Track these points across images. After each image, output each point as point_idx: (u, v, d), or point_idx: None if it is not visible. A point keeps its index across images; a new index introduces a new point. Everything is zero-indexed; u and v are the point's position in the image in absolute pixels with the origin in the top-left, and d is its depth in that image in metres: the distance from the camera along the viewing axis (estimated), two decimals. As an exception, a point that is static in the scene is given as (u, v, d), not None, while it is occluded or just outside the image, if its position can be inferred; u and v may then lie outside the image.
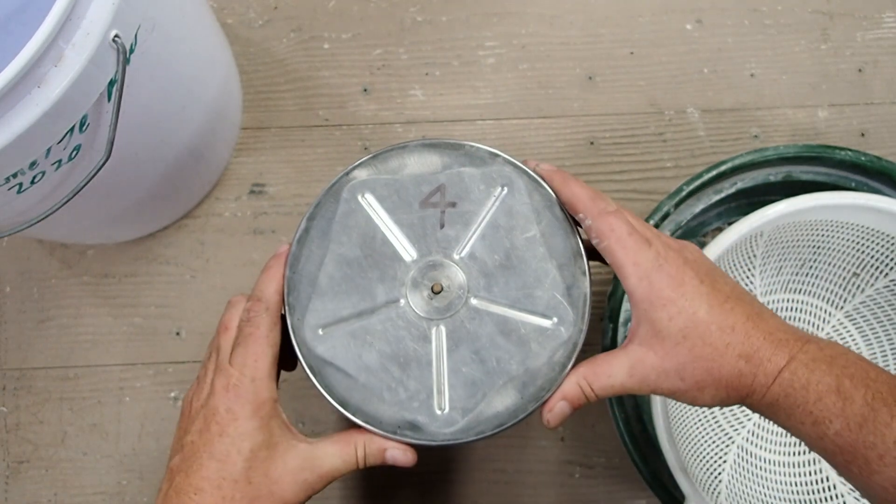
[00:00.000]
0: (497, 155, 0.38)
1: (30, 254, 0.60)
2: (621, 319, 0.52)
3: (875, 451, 0.29)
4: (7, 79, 0.32)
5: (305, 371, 0.35)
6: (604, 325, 0.53)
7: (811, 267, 0.54)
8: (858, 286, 0.53)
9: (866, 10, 0.65)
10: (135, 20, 0.38)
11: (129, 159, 0.45)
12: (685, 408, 0.53)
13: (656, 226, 0.53)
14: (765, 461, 0.53)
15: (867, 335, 0.54)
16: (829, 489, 0.51)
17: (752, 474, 0.52)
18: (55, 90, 0.34)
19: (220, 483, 0.32)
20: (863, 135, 0.63)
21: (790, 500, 0.51)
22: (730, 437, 0.53)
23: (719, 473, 0.51)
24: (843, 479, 0.51)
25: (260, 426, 0.33)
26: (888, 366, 0.53)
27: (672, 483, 0.47)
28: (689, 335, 0.32)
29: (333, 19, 0.64)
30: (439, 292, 0.36)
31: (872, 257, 0.51)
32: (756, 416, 0.54)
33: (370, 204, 0.37)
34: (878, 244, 0.50)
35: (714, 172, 0.52)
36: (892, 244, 0.49)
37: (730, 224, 0.48)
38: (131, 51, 0.39)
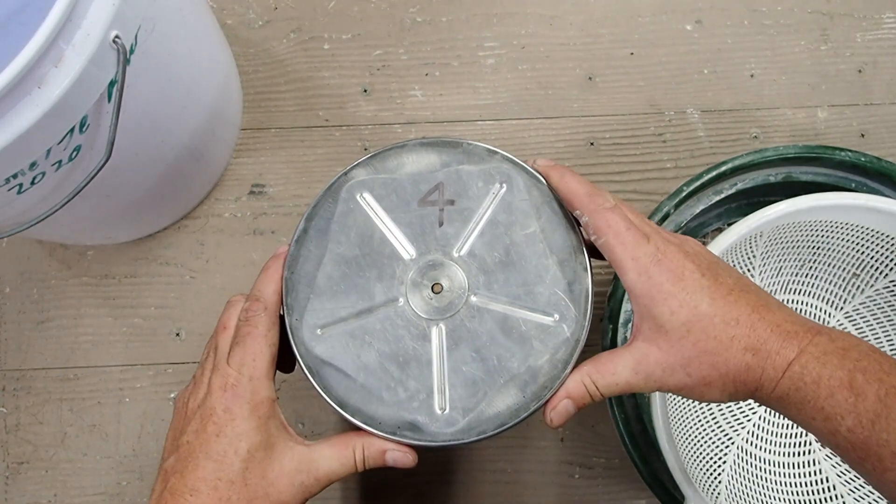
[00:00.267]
0: (495, 152, 0.37)
1: (30, 254, 0.60)
2: (621, 320, 0.52)
3: (888, 449, 0.28)
4: (7, 79, 0.32)
5: (304, 372, 0.35)
6: (603, 326, 0.53)
7: (811, 267, 0.54)
8: (858, 287, 0.53)
9: (866, 11, 0.65)
10: (135, 21, 0.38)
11: (129, 160, 0.45)
12: (685, 408, 0.53)
13: (656, 226, 0.53)
14: (764, 461, 0.53)
15: (867, 336, 0.54)
16: (829, 489, 0.51)
17: (752, 475, 0.52)
18: (55, 91, 0.34)
19: (216, 484, 0.32)
20: (863, 135, 0.63)
21: (790, 501, 0.51)
22: (729, 438, 0.53)
23: (719, 474, 0.51)
24: (843, 480, 0.51)
25: (258, 426, 0.33)
26: (888, 366, 0.53)
27: (672, 483, 0.47)
28: (693, 329, 0.31)
29: (333, 20, 0.64)
30: (439, 292, 0.36)
31: (872, 258, 0.51)
32: (756, 416, 0.54)
33: (368, 203, 0.37)
34: (877, 245, 0.50)
35: (714, 173, 0.52)
36: (892, 245, 0.49)
37: (729, 225, 0.48)
38: (131, 51, 0.39)
